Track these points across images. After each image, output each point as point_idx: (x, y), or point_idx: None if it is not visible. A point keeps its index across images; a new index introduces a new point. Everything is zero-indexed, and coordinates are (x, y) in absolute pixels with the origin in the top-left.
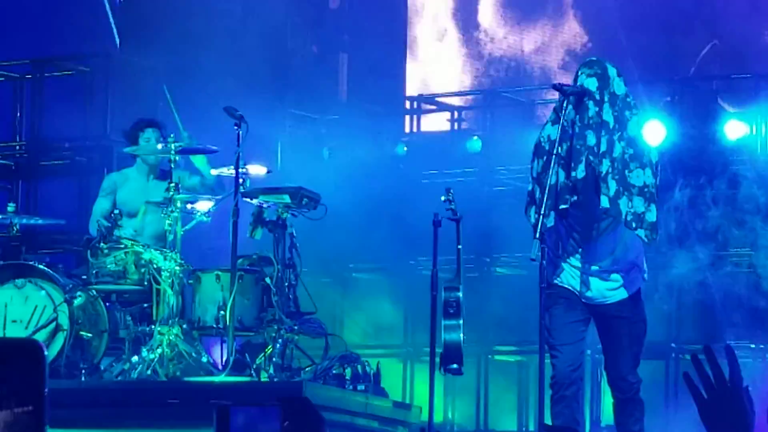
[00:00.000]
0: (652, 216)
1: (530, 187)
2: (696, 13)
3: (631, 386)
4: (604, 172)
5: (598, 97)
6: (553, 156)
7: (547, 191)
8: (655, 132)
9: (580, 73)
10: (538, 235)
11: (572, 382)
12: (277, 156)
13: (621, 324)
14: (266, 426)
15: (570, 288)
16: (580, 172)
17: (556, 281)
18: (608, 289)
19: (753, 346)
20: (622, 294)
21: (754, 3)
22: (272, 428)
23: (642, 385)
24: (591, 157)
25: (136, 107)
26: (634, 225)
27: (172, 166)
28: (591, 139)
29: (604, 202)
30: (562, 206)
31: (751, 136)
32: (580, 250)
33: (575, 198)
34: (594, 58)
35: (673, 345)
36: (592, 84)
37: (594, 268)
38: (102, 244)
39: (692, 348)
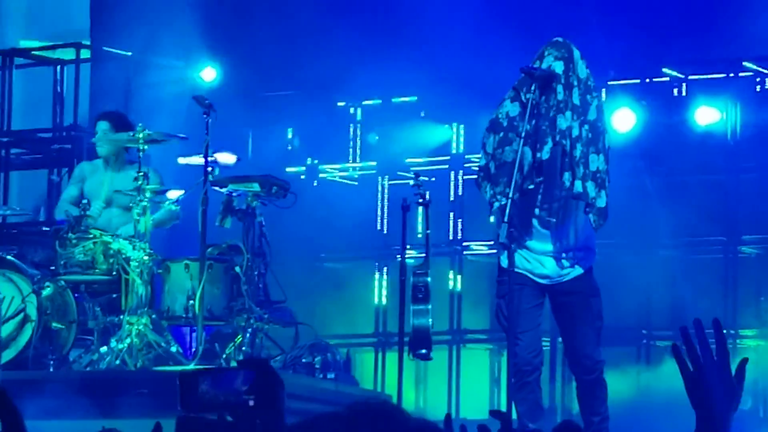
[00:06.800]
0: (601, 202)
1: (483, 162)
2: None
3: (596, 364)
4: (577, 157)
5: (564, 80)
6: (522, 134)
7: (516, 170)
8: (625, 120)
9: (546, 54)
10: (506, 219)
11: (534, 368)
12: (248, 144)
13: (579, 299)
14: (230, 388)
15: (524, 272)
16: (545, 154)
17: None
18: (563, 268)
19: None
20: (577, 270)
21: None
22: (236, 390)
23: (608, 368)
24: (563, 141)
25: (106, 99)
26: (587, 210)
27: (141, 156)
28: (561, 123)
29: (578, 186)
30: (529, 186)
31: (721, 122)
32: (535, 232)
33: (541, 179)
34: (560, 39)
35: (644, 332)
36: (559, 67)
37: (548, 248)
38: (70, 234)
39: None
